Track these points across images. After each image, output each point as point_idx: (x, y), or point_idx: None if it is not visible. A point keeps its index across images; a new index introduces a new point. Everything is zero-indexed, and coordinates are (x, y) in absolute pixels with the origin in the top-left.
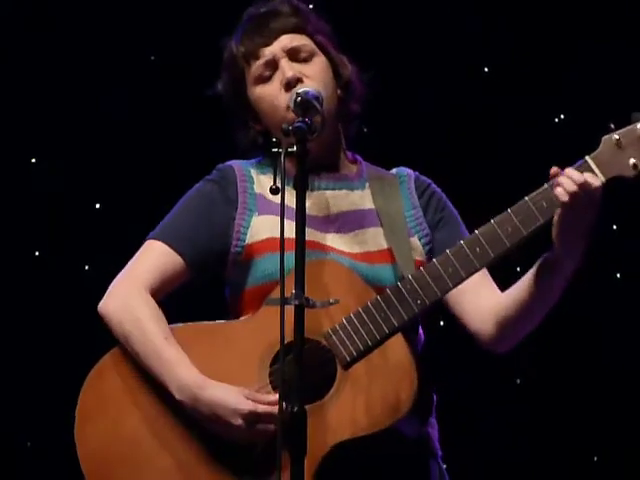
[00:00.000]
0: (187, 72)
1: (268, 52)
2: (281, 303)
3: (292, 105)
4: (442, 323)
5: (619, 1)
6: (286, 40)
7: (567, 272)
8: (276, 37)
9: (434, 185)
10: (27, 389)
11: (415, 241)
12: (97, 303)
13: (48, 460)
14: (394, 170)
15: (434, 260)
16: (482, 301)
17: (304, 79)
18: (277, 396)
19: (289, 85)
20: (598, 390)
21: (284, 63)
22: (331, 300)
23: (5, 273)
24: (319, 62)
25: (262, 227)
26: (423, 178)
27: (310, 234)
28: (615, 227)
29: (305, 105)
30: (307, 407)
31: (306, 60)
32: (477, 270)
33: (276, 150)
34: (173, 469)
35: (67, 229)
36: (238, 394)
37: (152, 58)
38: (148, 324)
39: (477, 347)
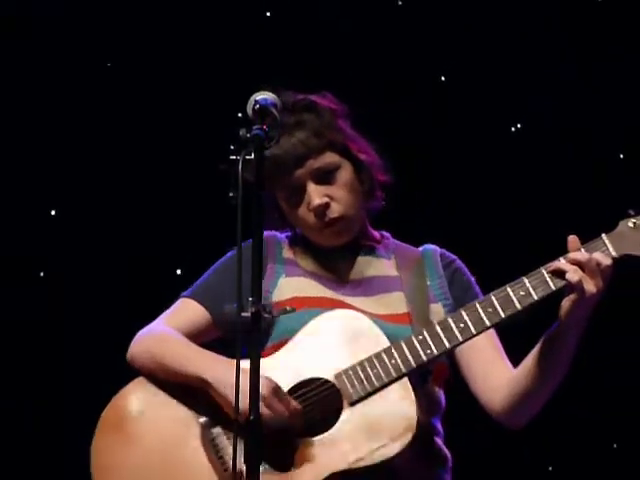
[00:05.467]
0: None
1: (295, 179)
2: (237, 312)
3: (250, 112)
4: None
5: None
6: (310, 163)
7: (571, 345)
8: (301, 165)
9: (459, 261)
10: None
11: (438, 307)
12: (53, 310)
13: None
14: (420, 248)
15: (447, 316)
16: (495, 376)
17: (331, 203)
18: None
19: (317, 212)
20: (571, 398)
21: (311, 189)
22: (288, 308)
23: None
24: (344, 175)
25: (288, 287)
26: (448, 254)
27: (336, 295)
28: None
29: (263, 112)
30: (313, 439)
31: (331, 176)
32: (487, 328)
33: (234, 157)
34: None
35: (21, 235)
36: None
37: (108, 65)
38: (174, 337)
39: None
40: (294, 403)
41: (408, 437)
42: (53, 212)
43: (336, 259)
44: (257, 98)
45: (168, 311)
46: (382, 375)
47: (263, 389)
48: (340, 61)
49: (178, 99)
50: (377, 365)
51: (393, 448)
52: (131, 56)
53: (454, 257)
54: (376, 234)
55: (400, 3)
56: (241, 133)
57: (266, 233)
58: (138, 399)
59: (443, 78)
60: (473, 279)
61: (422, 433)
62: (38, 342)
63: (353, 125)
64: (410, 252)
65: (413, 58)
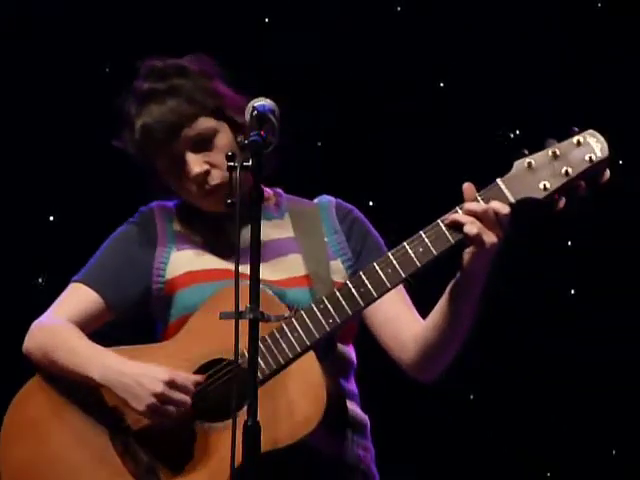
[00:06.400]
0: None
1: (172, 149)
2: (235, 318)
3: (247, 119)
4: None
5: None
6: (185, 132)
7: (475, 295)
8: (176, 134)
9: (356, 211)
10: None
11: (337, 264)
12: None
13: None
14: (316, 200)
15: (347, 281)
16: (403, 331)
17: (211, 170)
18: (194, 377)
19: (197, 181)
20: (550, 408)
21: (189, 158)
22: (285, 314)
23: None
24: (222, 140)
25: (180, 262)
26: (344, 204)
27: (228, 265)
28: (570, 243)
29: (261, 119)
30: (223, 422)
31: (209, 142)
32: (389, 290)
33: (232, 164)
34: None
35: (20, 241)
36: (162, 367)
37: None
38: (64, 331)
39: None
40: (198, 379)
41: (319, 414)
42: (51, 218)
43: (225, 226)
44: (255, 104)
45: (59, 298)
46: (286, 350)
47: (160, 381)
48: (338, 67)
49: None
50: (280, 340)
51: (306, 427)
52: (131, 59)
53: (351, 207)
54: (268, 191)
55: (399, 9)
56: (239, 140)
57: (155, 205)
58: (39, 398)
59: (442, 84)
60: (372, 227)
61: (334, 401)
62: None
63: (233, 86)
64: (305, 207)
65: (412, 63)
